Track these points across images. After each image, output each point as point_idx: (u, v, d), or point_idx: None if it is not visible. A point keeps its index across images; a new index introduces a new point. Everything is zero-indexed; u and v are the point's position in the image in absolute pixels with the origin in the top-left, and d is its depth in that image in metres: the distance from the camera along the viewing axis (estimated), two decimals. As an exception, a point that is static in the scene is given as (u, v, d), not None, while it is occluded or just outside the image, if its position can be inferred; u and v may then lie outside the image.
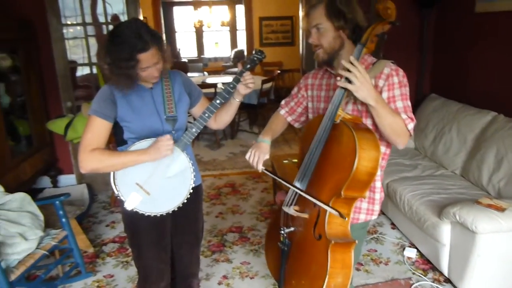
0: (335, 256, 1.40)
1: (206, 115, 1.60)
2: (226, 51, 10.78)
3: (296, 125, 1.85)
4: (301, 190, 1.50)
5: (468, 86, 3.54)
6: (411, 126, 1.48)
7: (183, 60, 10.06)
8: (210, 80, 6.60)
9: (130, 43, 1.44)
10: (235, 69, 9.61)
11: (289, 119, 1.82)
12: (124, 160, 1.53)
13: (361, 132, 1.39)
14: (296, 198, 1.56)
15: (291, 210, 1.54)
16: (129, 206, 1.55)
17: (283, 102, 1.84)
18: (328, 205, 1.41)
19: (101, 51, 1.51)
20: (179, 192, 1.61)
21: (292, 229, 1.57)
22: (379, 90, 1.49)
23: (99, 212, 3.67)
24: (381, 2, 1.42)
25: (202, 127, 1.61)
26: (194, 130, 1.60)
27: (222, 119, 1.81)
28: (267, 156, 1.58)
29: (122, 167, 1.54)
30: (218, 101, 1.61)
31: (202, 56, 10.76)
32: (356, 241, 1.45)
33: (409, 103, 1.51)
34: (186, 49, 10.82)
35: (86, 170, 1.51)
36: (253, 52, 1.68)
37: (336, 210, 1.39)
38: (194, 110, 1.84)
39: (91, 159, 1.50)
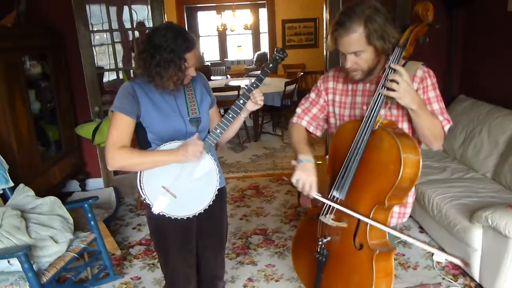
0: (379, 265, 1.38)
1: (230, 115, 1.60)
2: (249, 54, 10.80)
3: (318, 133, 1.76)
4: (341, 202, 1.46)
5: (499, 86, 3.42)
6: (447, 127, 1.47)
7: (206, 63, 10.14)
8: (233, 82, 6.62)
9: (177, 44, 1.47)
10: (257, 72, 9.64)
11: (311, 129, 1.73)
12: (151, 159, 1.53)
13: (402, 138, 1.36)
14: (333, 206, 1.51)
15: (330, 221, 1.49)
16: (156, 209, 1.55)
17: (299, 110, 1.73)
18: (371, 218, 1.39)
19: (143, 60, 1.50)
20: (205, 194, 1.61)
21: (329, 238, 1.52)
22: None
23: (126, 215, 3.72)
24: (421, 4, 1.38)
25: (226, 128, 1.60)
26: (218, 131, 1.59)
27: (225, 134, 1.74)
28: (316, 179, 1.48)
29: (149, 166, 1.54)
30: (241, 101, 1.61)
31: (225, 59, 10.82)
32: (397, 248, 1.44)
33: (443, 104, 1.49)
34: (209, 53, 10.90)
35: (113, 168, 1.52)
36: (275, 51, 1.67)
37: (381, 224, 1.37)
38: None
39: (119, 157, 1.49)
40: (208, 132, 1.63)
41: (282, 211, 3.69)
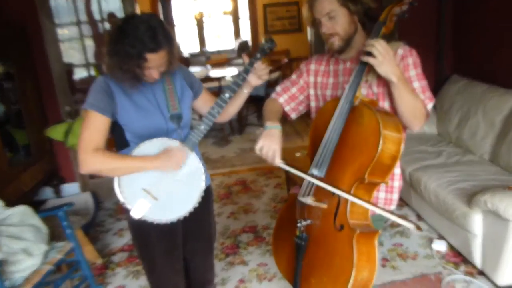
0: (360, 247, 1.38)
1: (215, 110, 1.57)
2: (229, 43, 10.70)
3: (293, 115, 1.78)
4: (321, 180, 1.46)
5: (495, 65, 3.43)
6: (430, 105, 1.49)
7: (185, 54, 10.02)
8: (214, 73, 6.55)
9: (142, 40, 1.40)
10: (240, 61, 9.57)
11: (287, 108, 1.75)
12: (129, 165, 1.49)
13: (382, 113, 1.40)
14: (313, 187, 1.52)
15: (309, 200, 1.50)
16: (136, 214, 1.51)
17: (279, 88, 1.77)
18: (351, 194, 1.39)
19: (108, 42, 1.46)
20: (190, 195, 1.58)
21: (309, 221, 1.53)
22: None
23: (106, 221, 3.66)
24: None
25: (211, 124, 1.57)
26: (203, 127, 1.56)
27: (227, 111, 1.75)
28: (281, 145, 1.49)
29: (125, 172, 1.49)
30: (227, 95, 1.58)
31: (204, 49, 10.70)
32: (380, 231, 1.43)
33: (426, 82, 1.51)
34: (187, 43, 10.77)
35: (86, 172, 1.47)
36: (263, 41, 1.65)
37: (359, 198, 1.37)
38: (196, 104, 1.80)
39: (93, 160, 1.45)
40: (194, 128, 1.59)
41: (272, 206, 3.67)
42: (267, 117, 1.61)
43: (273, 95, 1.78)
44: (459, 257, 2.69)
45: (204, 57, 10.24)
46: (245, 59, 1.63)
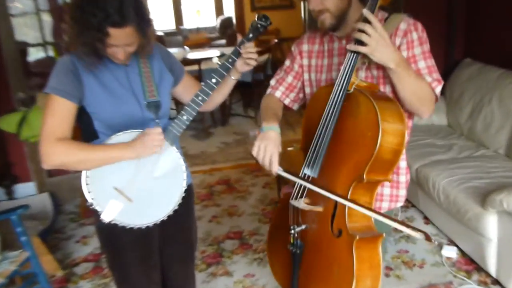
0: (361, 254, 1.39)
1: (200, 98, 1.56)
2: (210, 20, 10.67)
3: (295, 106, 1.80)
4: (314, 181, 1.47)
5: (511, 47, 3.48)
6: (438, 89, 1.48)
7: (159, 33, 9.96)
8: (193, 55, 6.53)
9: (105, 10, 1.35)
10: (223, 41, 9.55)
11: (287, 101, 1.77)
12: (100, 155, 1.47)
13: (382, 101, 1.38)
14: (307, 188, 1.53)
15: (301, 204, 1.51)
16: (107, 217, 1.49)
17: (273, 81, 1.78)
18: (349, 199, 1.39)
19: (70, 8, 1.43)
20: (169, 196, 1.57)
21: (303, 227, 1.54)
22: None
23: (67, 226, 3.64)
24: None
25: (195, 114, 1.56)
26: (185, 118, 1.55)
27: (212, 100, 1.74)
28: (280, 150, 1.49)
29: (96, 164, 1.48)
30: (214, 81, 1.57)
31: (181, 27, 10.65)
32: (384, 234, 1.44)
33: (433, 61, 1.50)
34: (162, 20, 10.71)
35: (50, 166, 1.45)
36: (256, 18, 1.64)
37: (359, 204, 1.37)
38: (176, 90, 1.80)
39: (58, 151, 1.43)
40: (173, 120, 1.58)
41: (260, 208, 3.70)
42: (263, 117, 1.61)
43: (269, 90, 1.79)
44: (471, 265, 2.75)
45: (181, 37, 10.19)
46: (239, 37, 1.63)
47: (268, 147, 1.46)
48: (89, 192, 1.49)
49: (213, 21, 10.53)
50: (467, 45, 4.03)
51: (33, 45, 4.20)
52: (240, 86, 5.83)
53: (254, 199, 3.87)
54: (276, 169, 1.46)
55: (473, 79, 3.57)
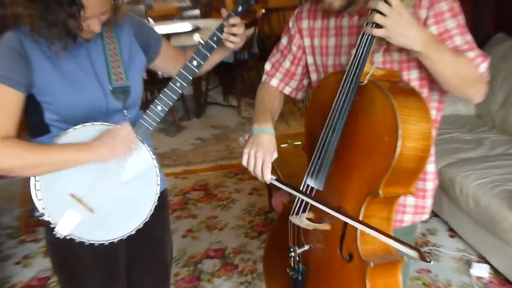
0: (377, 284, 1.38)
1: (178, 85, 1.56)
2: (179, -14, 10.64)
3: (300, 95, 1.82)
4: (320, 194, 1.46)
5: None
6: (484, 66, 1.44)
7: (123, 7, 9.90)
8: (160, 29, 6.48)
9: None
10: (194, 12, 9.52)
11: (287, 90, 1.78)
12: (56, 158, 1.46)
13: (402, 96, 1.36)
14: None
15: (304, 221, 1.51)
16: (62, 231, 1.48)
17: (268, 66, 1.79)
18: (361, 222, 1.37)
19: None
20: (139, 205, 1.58)
21: (306, 247, 1.54)
22: (423, 25, 1.45)
23: (4, 244, 3.60)
24: None
25: (171, 104, 1.57)
26: (159, 108, 1.55)
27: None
28: (275, 156, 1.50)
29: (50, 169, 1.46)
30: (195, 63, 1.58)
31: (143, -6, 10.61)
32: (405, 259, 1.43)
33: (469, 35, 1.47)
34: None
35: None
36: None
37: (380, 231, 1.33)
38: (154, 65, 1.82)
39: (2, 154, 1.41)
40: (145, 111, 1.58)
41: (247, 220, 3.70)
42: (254, 117, 1.63)
43: (264, 77, 1.80)
44: (507, 286, 2.78)
45: (144, 6, 10.13)
46: (223, 12, 1.63)
47: (258, 153, 1.47)
48: (39, 199, 1.47)
49: (184, -12, 10.50)
50: (499, 16, 4.06)
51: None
52: (219, 69, 5.80)
53: (238, 209, 3.87)
54: (269, 179, 1.48)
55: (506, 59, 3.60)
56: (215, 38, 1.61)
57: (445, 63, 1.38)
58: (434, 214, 3.44)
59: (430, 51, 1.34)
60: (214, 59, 1.80)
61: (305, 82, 1.79)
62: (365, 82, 1.40)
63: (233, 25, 1.61)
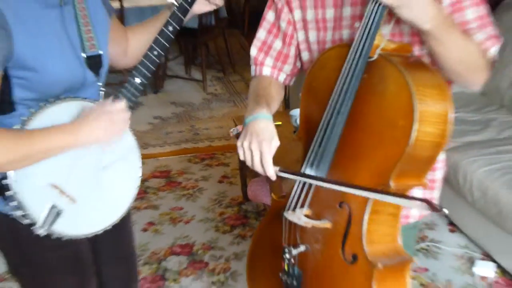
0: (383, 287, 1.41)
1: (156, 53, 1.58)
2: None
3: (292, 81, 1.83)
4: (318, 188, 1.49)
5: None
6: (494, 49, 1.48)
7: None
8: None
9: None
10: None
11: (282, 76, 1.77)
12: (44, 145, 1.45)
13: (418, 73, 1.37)
14: (311, 193, 1.54)
15: (301, 218, 1.52)
16: (43, 228, 1.48)
17: (254, 51, 1.78)
18: (380, 190, 1.38)
19: None
20: (123, 189, 1.63)
21: (302, 248, 1.56)
22: None
23: None
24: None
25: (150, 76, 1.60)
26: (138, 80, 1.58)
27: (140, 45, 1.79)
28: (275, 144, 1.47)
29: (38, 159, 1.46)
30: (171, 29, 1.60)
31: None
32: (414, 260, 1.47)
33: (485, 8, 1.50)
34: None
35: None
36: None
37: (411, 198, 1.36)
38: None
39: None
40: (125, 83, 1.59)
41: (217, 212, 3.74)
42: (253, 102, 1.64)
43: (253, 68, 1.80)
44: (514, 286, 2.89)
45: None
46: None
47: (253, 145, 1.47)
48: (15, 192, 1.46)
49: None
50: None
51: None
52: (180, 35, 5.77)
53: (207, 199, 3.90)
54: (272, 171, 1.47)
55: (518, 28, 3.64)
56: (189, 0, 1.63)
57: (452, 47, 1.41)
58: (434, 205, 3.53)
59: (439, 30, 1.37)
60: None
61: (299, 64, 1.79)
62: (375, 57, 1.40)
63: None
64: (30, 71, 1.48)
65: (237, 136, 1.56)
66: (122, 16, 5.19)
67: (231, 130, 1.47)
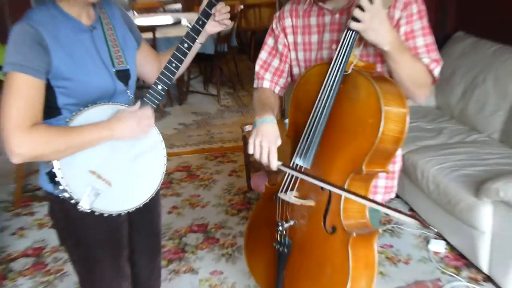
0: (357, 253, 1.45)
1: (174, 65, 1.59)
2: (161, -20, 10.52)
3: (283, 93, 1.86)
4: (307, 174, 1.52)
5: (508, 20, 3.58)
6: (437, 70, 1.55)
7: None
8: (145, 21, 6.46)
9: None
10: (176, 6, 9.43)
11: (277, 89, 1.82)
12: (83, 138, 1.46)
13: (382, 83, 1.42)
14: (298, 180, 1.58)
15: (292, 197, 1.56)
16: (85, 205, 1.50)
17: (257, 67, 1.82)
18: (347, 190, 1.44)
19: None
20: (151, 175, 1.62)
21: (291, 223, 1.59)
22: (395, 24, 1.54)
23: (-1, 216, 3.62)
24: None
25: (170, 83, 1.61)
26: (160, 87, 1.59)
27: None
28: (279, 143, 1.53)
29: (77, 150, 1.47)
30: (186, 45, 1.61)
31: (127, -13, 10.46)
32: (380, 231, 1.52)
33: (432, 38, 1.57)
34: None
35: (22, 158, 1.39)
36: None
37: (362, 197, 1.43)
38: (138, 59, 1.81)
39: (33, 140, 1.39)
40: (149, 89, 1.61)
41: (227, 199, 3.76)
42: (255, 112, 1.67)
43: (255, 82, 1.83)
44: (461, 260, 2.89)
45: (128, -1, 10.01)
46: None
47: (263, 142, 1.51)
48: (62, 177, 1.47)
49: (166, -18, 10.39)
50: (460, 16, 4.14)
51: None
52: (200, 59, 5.81)
53: (219, 188, 3.92)
54: (276, 165, 1.51)
55: (465, 55, 3.69)
56: (200, 22, 1.64)
57: (404, 65, 1.48)
58: (397, 195, 3.52)
59: (395, 52, 1.44)
60: (190, 57, 1.83)
61: (289, 79, 1.84)
62: (350, 71, 1.46)
63: (221, 10, 1.68)
64: (68, 81, 1.50)
65: (248, 133, 1.58)
66: (154, 44, 5.23)
67: (245, 127, 1.49)
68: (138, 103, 1.57)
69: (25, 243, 3.27)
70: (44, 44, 1.44)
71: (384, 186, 1.73)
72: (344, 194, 1.46)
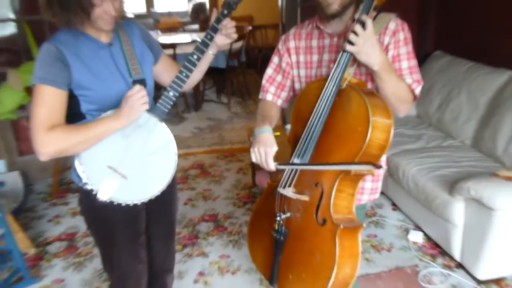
0: (343, 242, 1.44)
1: (184, 74, 1.59)
2: (181, 4, 10.53)
3: (286, 105, 1.85)
4: (302, 172, 1.52)
5: (480, 41, 3.60)
6: (418, 90, 1.58)
7: (129, 15, 9.77)
8: (167, 39, 6.45)
9: None
10: (194, 26, 9.46)
11: (279, 102, 1.81)
12: (94, 132, 1.46)
13: (371, 98, 1.44)
14: (296, 177, 1.58)
15: (289, 192, 1.56)
16: (103, 196, 1.51)
17: (263, 81, 1.82)
18: (353, 163, 1.44)
19: None
20: (162, 171, 1.60)
21: (288, 214, 1.60)
22: (384, 49, 1.56)
23: (38, 206, 3.60)
24: None
25: (180, 90, 1.60)
26: (171, 93, 1.58)
27: (191, 78, 1.75)
28: (275, 149, 1.53)
29: (92, 142, 1.48)
30: (195, 57, 1.61)
31: (152, 10, 10.48)
32: (364, 225, 1.52)
33: (415, 61, 1.59)
34: (132, 2, 10.50)
35: (47, 156, 1.42)
36: None
37: (369, 163, 1.39)
38: (155, 70, 1.80)
39: (53, 139, 1.42)
40: (162, 95, 1.60)
41: (234, 193, 3.74)
42: (258, 122, 1.67)
43: (260, 94, 1.83)
44: (436, 249, 2.86)
45: (152, 19, 10.04)
46: (214, 14, 1.67)
47: (261, 149, 1.52)
48: (83, 172, 1.49)
49: (185, 6, 10.41)
50: (438, 37, 4.13)
51: (1, 21, 4.05)
52: (213, 72, 5.81)
53: (228, 184, 3.90)
54: (273, 166, 1.52)
55: (443, 72, 3.67)
56: (208, 36, 1.65)
57: (390, 84, 1.49)
58: (382, 193, 3.51)
59: (382, 72, 1.46)
60: (205, 66, 1.83)
61: (291, 93, 1.83)
62: (344, 86, 1.49)
63: (227, 25, 1.67)
64: (88, 90, 1.52)
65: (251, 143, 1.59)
66: (174, 58, 5.21)
67: (250, 139, 1.47)
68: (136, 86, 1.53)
69: (59, 229, 3.27)
70: (66, 61, 1.48)
71: (370, 188, 1.76)
72: (325, 167, 1.49)
